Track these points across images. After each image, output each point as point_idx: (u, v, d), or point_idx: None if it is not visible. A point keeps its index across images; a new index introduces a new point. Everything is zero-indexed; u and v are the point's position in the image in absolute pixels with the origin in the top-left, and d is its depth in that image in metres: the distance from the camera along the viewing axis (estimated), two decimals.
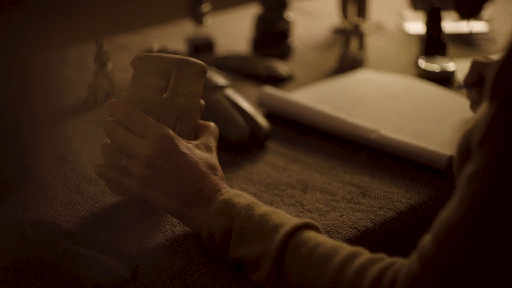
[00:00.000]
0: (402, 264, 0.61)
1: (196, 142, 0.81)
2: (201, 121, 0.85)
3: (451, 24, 1.46)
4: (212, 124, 0.85)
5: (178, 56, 0.82)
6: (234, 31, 1.49)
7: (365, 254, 0.65)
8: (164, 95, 0.82)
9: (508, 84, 0.52)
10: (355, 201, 0.90)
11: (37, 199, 0.88)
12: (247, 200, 0.76)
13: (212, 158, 0.81)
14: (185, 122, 0.83)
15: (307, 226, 0.71)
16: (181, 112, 0.83)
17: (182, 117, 0.83)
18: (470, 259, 0.54)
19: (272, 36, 1.35)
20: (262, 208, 0.75)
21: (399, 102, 1.13)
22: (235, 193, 0.77)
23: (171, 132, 0.79)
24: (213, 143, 0.83)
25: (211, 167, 0.79)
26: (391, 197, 0.90)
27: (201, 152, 0.80)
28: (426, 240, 0.58)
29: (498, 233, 0.52)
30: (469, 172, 0.55)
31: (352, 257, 0.65)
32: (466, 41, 1.45)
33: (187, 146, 0.79)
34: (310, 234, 0.70)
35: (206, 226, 0.76)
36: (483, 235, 0.53)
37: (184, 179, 0.77)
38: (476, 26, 1.47)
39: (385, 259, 0.63)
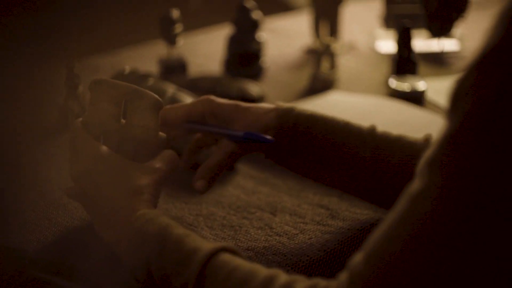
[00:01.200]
0: (327, 285, 0.60)
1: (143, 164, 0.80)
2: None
3: (422, 43, 1.47)
4: (167, 151, 0.83)
5: (132, 86, 0.81)
6: (207, 51, 1.50)
7: (282, 276, 0.64)
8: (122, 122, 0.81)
9: (465, 103, 0.52)
10: (324, 223, 0.90)
11: (3, 225, 0.87)
12: (160, 224, 0.74)
13: (143, 180, 0.78)
14: (144, 154, 0.82)
15: (222, 250, 0.69)
16: (138, 143, 0.81)
17: (139, 149, 0.82)
18: (407, 278, 0.53)
19: (244, 56, 1.36)
20: (175, 233, 0.72)
21: (370, 123, 1.13)
22: (148, 218, 0.75)
23: (99, 150, 0.78)
24: (160, 166, 0.80)
25: (136, 191, 0.77)
26: (360, 218, 0.90)
27: (135, 173, 0.79)
28: (358, 259, 0.57)
29: (438, 253, 0.52)
30: (413, 191, 0.54)
31: (270, 280, 0.63)
32: (437, 59, 1.46)
33: (112, 165, 0.78)
34: (226, 258, 0.67)
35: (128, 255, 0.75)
36: (423, 254, 0.52)
37: (102, 200, 0.77)
38: (447, 44, 1.48)
39: (305, 281, 0.62)
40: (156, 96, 0.81)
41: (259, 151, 0.88)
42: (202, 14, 1.77)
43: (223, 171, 0.86)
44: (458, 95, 0.53)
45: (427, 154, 0.54)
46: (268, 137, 0.84)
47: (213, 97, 0.88)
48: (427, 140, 0.86)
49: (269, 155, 0.88)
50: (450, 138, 0.52)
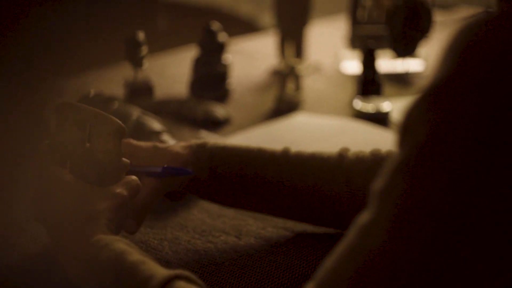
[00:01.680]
0: None
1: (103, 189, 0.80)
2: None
3: (387, 63, 1.49)
4: (129, 176, 0.83)
5: (95, 111, 0.81)
6: (173, 73, 1.50)
7: None
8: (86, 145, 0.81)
9: (416, 134, 0.52)
10: (289, 246, 0.90)
11: None
12: (115, 251, 0.73)
13: (101, 205, 0.78)
14: (106, 179, 0.82)
15: (177, 277, 0.68)
16: (100, 168, 0.81)
17: (102, 173, 0.81)
18: None
19: (210, 79, 1.36)
20: (129, 259, 0.72)
21: (334, 144, 1.14)
22: (103, 244, 0.74)
23: (58, 173, 0.78)
24: (120, 191, 0.80)
25: (92, 216, 0.77)
26: (324, 239, 0.91)
27: (93, 198, 0.78)
28: None
29: (388, 284, 0.52)
30: (363, 222, 0.54)
31: None
32: (402, 79, 1.47)
33: (70, 189, 0.78)
34: (181, 285, 0.67)
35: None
36: (372, 285, 0.53)
37: (59, 224, 0.77)
38: (411, 64, 1.50)
39: None
40: (119, 121, 0.81)
41: (182, 188, 0.90)
42: (169, 35, 1.77)
43: (150, 209, 0.87)
44: (408, 125, 0.53)
45: (377, 183, 0.54)
46: (186, 169, 0.86)
47: (131, 140, 0.90)
48: (340, 155, 0.88)
49: (192, 191, 0.90)
50: (401, 168, 0.53)
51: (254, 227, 0.94)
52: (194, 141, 0.91)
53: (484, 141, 0.50)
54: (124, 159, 0.83)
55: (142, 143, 0.90)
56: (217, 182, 0.89)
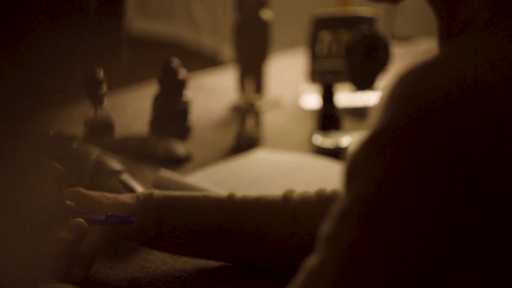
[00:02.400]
0: None
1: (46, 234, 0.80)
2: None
3: (346, 97, 1.51)
4: (74, 220, 0.84)
5: (37, 155, 0.82)
6: (134, 110, 1.50)
7: None
8: None
9: (357, 181, 0.54)
10: (250, 283, 0.90)
11: None
12: None
13: (44, 251, 0.79)
14: (49, 223, 0.82)
15: None
16: (43, 212, 0.81)
17: (45, 218, 0.82)
18: None
19: (170, 116, 1.36)
20: None
21: (294, 181, 1.15)
22: None
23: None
24: (65, 235, 0.81)
25: (36, 262, 0.77)
26: (282, 272, 0.91)
27: (36, 244, 0.78)
28: None
29: None
30: (310, 266, 0.55)
31: None
32: (362, 113, 1.49)
33: (12, 235, 0.78)
34: None
35: None
36: None
37: (2, 270, 0.77)
38: (371, 98, 1.52)
39: None
40: (59, 166, 0.82)
41: (129, 237, 0.90)
42: (132, 69, 1.78)
43: (96, 256, 0.88)
44: (353, 170, 0.54)
45: (325, 227, 0.55)
46: (129, 217, 0.87)
47: (79, 189, 0.91)
48: (285, 197, 0.90)
49: (139, 240, 0.91)
50: (346, 214, 0.54)
51: (216, 266, 0.94)
52: (141, 192, 0.92)
53: (426, 186, 0.51)
54: (68, 202, 0.83)
55: (92, 192, 0.91)
56: (165, 231, 0.90)
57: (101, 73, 1.32)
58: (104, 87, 1.33)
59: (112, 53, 1.80)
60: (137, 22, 2.60)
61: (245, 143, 1.31)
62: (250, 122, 1.33)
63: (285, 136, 1.38)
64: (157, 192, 0.91)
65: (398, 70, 0.56)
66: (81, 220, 0.83)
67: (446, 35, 0.67)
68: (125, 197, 0.91)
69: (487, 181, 0.51)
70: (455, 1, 0.65)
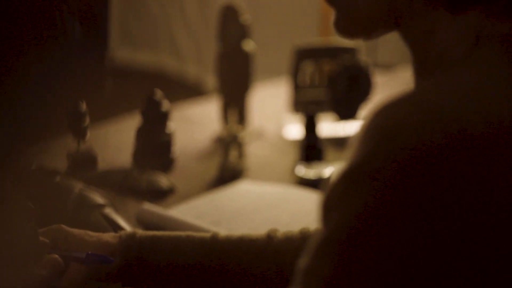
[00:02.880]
0: None
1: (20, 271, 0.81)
2: None
3: (329, 127, 1.51)
4: (49, 256, 0.84)
5: (8, 193, 0.82)
6: (117, 142, 1.50)
7: None
8: None
9: (334, 215, 0.54)
10: None
11: None
12: None
13: (22, 286, 0.79)
14: (23, 260, 0.82)
15: None
16: (16, 249, 0.81)
17: (19, 255, 0.81)
18: None
19: (154, 148, 1.36)
20: None
21: (277, 213, 1.15)
22: None
23: None
24: (39, 272, 0.81)
25: None
26: None
27: (10, 281, 0.79)
28: None
29: None
30: None
31: None
32: (345, 143, 1.49)
33: None
34: None
35: None
36: None
37: None
38: (354, 127, 1.52)
39: None
40: (30, 204, 0.82)
41: (111, 276, 0.90)
42: (115, 100, 1.77)
43: None
44: (328, 206, 0.55)
45: (302, 262, 0.56)
46: (109, 257, 0.87)
47: (62, 226, 0.90)
48: (269, 236, 0.90)
49: (122, 280, 0.91)
50: (323, 247, 0.54)
51: None
52: (123, 232, 0.92)
53: (401, 221, 0.52)
54: (42, 239, 0.83)
55: (74, 230, 0.90)
56: (147, 271, 0.89)
57: (84, 106, 1.32)
58: (87, 120, 1.33)
59: (96, 84, 1.79)
60: (121, 51, 2.60)
61: (228, 174, 1.31)
62: (233, 154, 1.33)
63: (268, 167, 1.38)
64: (139, 232, 0.91)
65: (376, 104, 0.57)
66: (56, 256, 0.83)
67: (421, 68, 0.67)
68: (108, 236, 0.91)
69: (462, 217, 0.52)
70: (429, 34, 0.66)
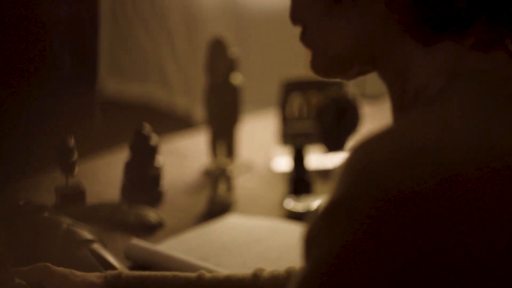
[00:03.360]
0: None
1: None
2: None
3: (317, 159, 1.51)
4: None
5: None
6: (106, 177, 1.50)
7: None
8: None
9: (315, 250, 0.55)
10: None
11: None
12: None
13: None
14: None
15: None
16: None
17: None
18: None
19: (142, 182, 1.36)
20: None
21: (266, 247, 1.15)
22: None
23: None
24: None
25: None
26: None
27: None
28: None
29: None
30: None
31: None
32: (333, 175, 1.50)
33: None
34: None
35: None
36: None
37: None
38: (342, 159, 1.53)
39: None
40: (5, 249, 0.83)
41: None
42: (104, 133, 1.78)
43: None
44: (309, 242, 0.56)
45: None
46: None
47: (48, 265, 0.91)
48: (255, 275, 0.91)
49: None
50: (305, 283, 0.55)
51: None
52: (109, 272, 0.92)
53: (379, 258, 0.53)
54: (18, 280, 0.83)
55: (60, 269, 0.90)
56: None
57: (72, 141, 1.32)
58: (75, 155, 1.33)
59: (85, 116, 1.80)
60: (110, 83, 2.61)
61: (217, 208, 1.31)
62: (222, 187, 1.33)
63: (257, 200, 1.38)
64: (125, 272, 0.91)
65: (359, 138, 0.57)
66: None
67: (399, 104, 0.68)
68: (93, 276, 0.91)
69: (438, 258, 0.52)
70: (405, 71, 0.66)
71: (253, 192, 1.42)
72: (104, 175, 1.51)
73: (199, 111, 2.38)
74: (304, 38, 0.74)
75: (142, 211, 1.27)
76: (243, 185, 1.44)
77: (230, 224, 1.24)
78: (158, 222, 1.26)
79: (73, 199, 1.34)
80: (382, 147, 0.55)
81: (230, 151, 1.51)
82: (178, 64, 2.60)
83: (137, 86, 2.64)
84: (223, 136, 1.51)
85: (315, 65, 0.73)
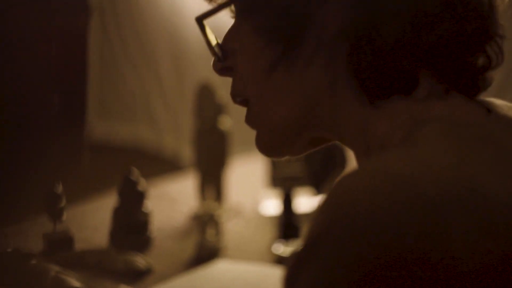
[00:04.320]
0: None
1: None
2: None
3: (307, 202, 1.51)
4: None
5: None
6: (94, 222, 1.49)
7: None
8: None
9: (296, 285, 0.55)
10: None
11: None
12: None
13: None
14: None
15: None
16: None
17: None
18: None
19: (130, 228, 1.36)
20: None
21: None
22: None
23: None
24: None
25: None
26: None
27: None
28: None
29: None
30: None
31: None
32: None
33: None
34: None
35: None
36: None
37: None
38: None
39: None
40: None
41: None
42: (92, 176, 1.77)
43: None
44: (289, 280, 0.56)
45: None
46: None
47: None
48: None
49: None
50: None
51: None
52: None
53: None
54: None
55: None
56: None
57: (60, 187, 1.32)
58: (63, 201, 1.32)
59: (73, 161, 1.80)
60: (98, 125, 2.61)
61: (206, 254, 1.30)
62: (210, 232, 1.33)
63: (246, 245, 1.37)
64: None
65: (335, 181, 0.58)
66: None
67: (363, 151, 0.68)
68: None
69: None
70: (365, 129, 0.67)
71: (242, 237, 1.42)
72: (92, 220, 1.50)
73: (187, 153, 2.38)
74: (249, 117, 0.73)
75: (131, 257, 1.26)
76: (232, 229, 1.44)
77: (220, 270, 1.23)
78: (146, 268, 1.26)
79: (61, 245, 1.33)
80: (357, 181, 0.56)
81: (218, 195, 1.51)
82: (166, 106, 2.60)
83: (126, 128, 2.64)
84: (212, 180, 1.51)
85: (260, 143, 0.73)
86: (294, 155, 0.75)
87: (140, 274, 1.24)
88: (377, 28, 0.64)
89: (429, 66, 0.65)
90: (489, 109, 0.66)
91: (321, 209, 0.56)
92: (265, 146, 0.73)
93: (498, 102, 0.69)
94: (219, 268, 1.24)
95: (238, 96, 0.74)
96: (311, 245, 0.55)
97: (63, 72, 1.65)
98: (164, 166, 2.29)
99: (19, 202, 1.51)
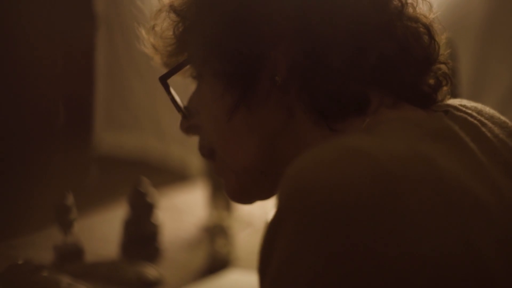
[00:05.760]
0: None
1: None
2: None
3: None
4: None
5: None
6: (104, 233, 1.49)
7: None
8: None
9: (262, 272, 0.59)
10: None
11: None
12: None
13: None
14: None
15: None
16: None
17: None
18: None
19: (141, 239, 1.36)
20: None
21: None
22: None
23: None
24: None
25: None
26: None
27: None
28: None
29: None
30: None
31: None
32: None
33: None
34: None
35: None
36: None
37: None
38: None
39: None
40: None
41: None
42: (101, 188, 1.78)
43: None
44: (259, 268, 0.61)
45: None
46: None
47: None
48: None
49: None
50: None
51: None
52: None
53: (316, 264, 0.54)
54: None
55: None
56: None
57: (70, 199, 1.32)
58: (74, 213, 1.33)
59: (82, 173, 1.80)
60: (106, 136, 2.62)
61: (216, 264, 1.30)
62: (221, 242, 1.33)
63: (256, 255, 1.37)
64: None
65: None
66: None
67: None
68: None
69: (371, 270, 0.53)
70: None
71: (253, 246, 1.42)
72: (102, 232, 1.51)
73: (194, 163, 2.38)
74: (215, 167, 0.75)
75: (141, 268, 1.27)
76: (243, 238, 1.44)
77: (230, 281, 1.23)
78: (157, 279, 1.26)
79: (71, 257, 1.33)
80: (317, 154, 0.57)
81: (228, 205, 1.51)
82: (173, 116, 2.61)
83: (133, 138, 2.65)
84: (222, 190, 1.51)
85: (229, 188, 0.74)
86: (264, 198, 0.76)
87: (150, 285, 1.24)
88: (323, 57, 0.66)
89: (376, 83, 0.67)
90: (446, 111, 0.69)
91: (284, 183, 0.56)
92: (234, 191, 0.75)
93: (469, 104, 0.72)
94: (230, 278, 1.24)
95: (204, 148, 0.75)
96: (277, 219, 0.57)
97: (71, 85, 1.66)
98: (172, 176, 2.30)
99: (30, 214, 1.51)
